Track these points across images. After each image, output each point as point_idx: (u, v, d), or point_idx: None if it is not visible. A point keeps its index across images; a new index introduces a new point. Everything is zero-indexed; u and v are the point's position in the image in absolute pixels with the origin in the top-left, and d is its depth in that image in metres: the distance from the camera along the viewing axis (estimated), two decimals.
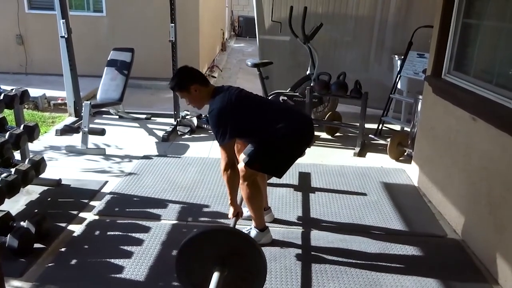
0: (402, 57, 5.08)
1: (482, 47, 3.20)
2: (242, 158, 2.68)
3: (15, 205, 3.23)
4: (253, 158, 2.61)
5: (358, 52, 6.14)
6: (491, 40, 3.11)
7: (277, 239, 2.94)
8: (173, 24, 5.03)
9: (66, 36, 5.12)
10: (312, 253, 2.85)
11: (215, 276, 2.06)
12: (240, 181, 2.65)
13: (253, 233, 2.85)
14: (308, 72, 5.34)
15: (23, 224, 2.77)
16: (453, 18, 3.43)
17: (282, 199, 3.50)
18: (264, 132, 2.62)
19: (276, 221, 3.18)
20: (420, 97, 4.18)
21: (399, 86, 5.19)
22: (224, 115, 2.53)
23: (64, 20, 5.04)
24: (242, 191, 2.72)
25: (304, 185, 3.82)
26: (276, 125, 2.59)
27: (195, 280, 2.19)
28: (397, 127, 5.35)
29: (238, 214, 2.68)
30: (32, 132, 3.36)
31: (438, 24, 3.61)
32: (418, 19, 5.33)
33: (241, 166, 2.65)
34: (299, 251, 2.85)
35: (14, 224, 2.78)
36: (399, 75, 5.11)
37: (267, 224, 2.93)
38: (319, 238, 3.01)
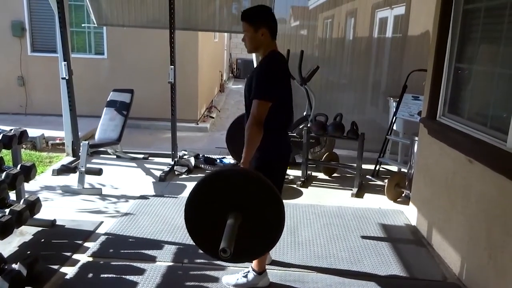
0: (397, 99, 5.18)
1: (475, 91, 3.27)
2: None
3: (7, 246, 3.17)
4: None
5: (354, 94, 6.25)
6: (484, 83, 3.18)
7: (274, 282, 2.87)
8: (172, 66, 5.14)
9: (67, 78, 5.21)
10: None
11: (230, 222, 1.88)
12: None
13: (251, 276, 2.79)
14: (305, 113, 5.41)
15: (15, 266, 2.71)
16: (445, 63, 3.52)
17: (280, 240, 3.43)
18: (276, 123, 2.59)
19: (273, 263, 3.12)
20: (416, 138, 4.23)
21: (395, 127, 5.25)
22: (281, 73, 2.51)
23: (65, 62, 5.15)
24: None
25: (302, 226, 3.78)
26: (283, 124, 2.64)
27: (207, 227, 2.00)
28: (394, 168, 5.37)
29: None
30: (28, 172, 3.35)
31: (431, 68, 3.70)
32: (412, 63, 5.47)
33: None
34: None
35: (6, 267, 2.71)
36: (394, 117, 5.18)
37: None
38: (317, 281, 2.94)
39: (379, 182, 5.01)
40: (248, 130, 2.41)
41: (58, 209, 3.92)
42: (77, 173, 4.42)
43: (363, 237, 3.63)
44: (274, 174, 2.56)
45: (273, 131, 2.56)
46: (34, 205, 3.22)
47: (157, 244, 3.35)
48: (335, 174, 5.27)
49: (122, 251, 3.25)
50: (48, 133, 6.35)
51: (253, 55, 6.42)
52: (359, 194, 4.64)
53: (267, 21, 2.50)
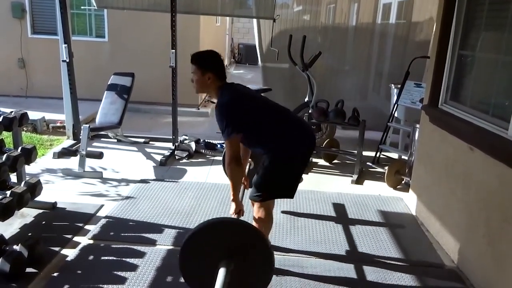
0: (399, 86, 5.15)
1: (478, 78, 3.25)
2: (251, 191, 2.69)
3: (8, 228, 3.19)
4: (261, 189, 2.62)
5: (356, 80, 6.22)
6: (487, 71, 3.16)
7: None
8: (173, 50, 5.10)
9: (67, 61, 5.18)
10: (309, 281, 2.80)
11: (222, 270, 1.99)
12: (256, 204, 2.67)
13: None
14: (306, 99, 5.39)
15: (16, 247, 2.73)
16: (449, 50, 3.49)
17: (279, 226, 3.47)
18: (269, 136, 2.61)
19: (272, 248, 3.13)
20: (418, 125, 4.21)
21: (396, 114, 5.24)
22: (233, 108, 2.55)
23: (66, 45, 5.11)
24: (255, 213, 2.71)
25: (301, 212, 3.79)
26: (281, 130, 2.61)
27: (201, 275, 2.11)
28: (394, 155, 5.36)
29: (240, 212, 2.66)
30: (29, 155, 3.35)
31: (434, 55, 3.67)
32: (415, 50, 5.43)
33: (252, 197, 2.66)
34: (296, 279, 2.80)
35: (7, 248, 2.74)
36: (396, 104, 5.16)
37: None
38: (316, 266, 2.97)
39: (379, 169, 5.01)
40: (227, 168, 2.57)
41: (59, 192, 3.94)
42: (78, 156, 4.43)
43: (363, 223, 3.65)
44: (284, 170, 2.61)
45: (276, 143, 2.59)
46: (35, 188, 3.23)
47: (157, 228, 3.37)
48: (335, 161, 5.27)
49: (122, 234, 3.27)
50: (48, 116, 6.33)
51: (256, 41, 6.38)
52: (359, 181, 4.65)
53: (214, 67, 2.61)
